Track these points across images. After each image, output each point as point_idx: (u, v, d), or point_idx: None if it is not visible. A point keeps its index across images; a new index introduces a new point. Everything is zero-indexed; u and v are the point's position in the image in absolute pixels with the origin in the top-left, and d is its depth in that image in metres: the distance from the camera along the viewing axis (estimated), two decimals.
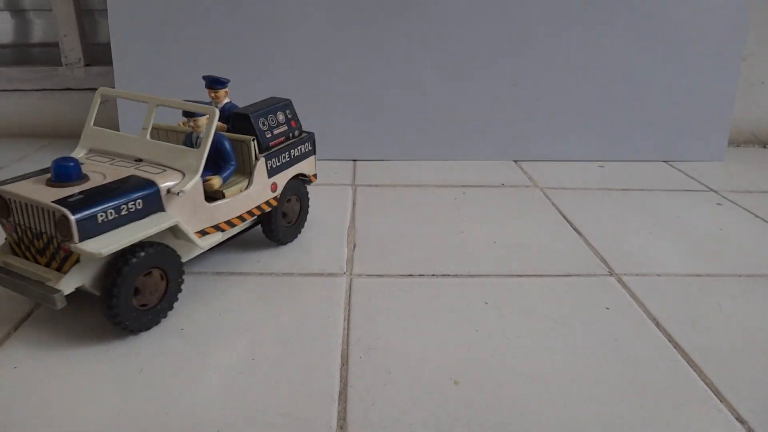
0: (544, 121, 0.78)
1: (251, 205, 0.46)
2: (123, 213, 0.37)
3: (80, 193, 0.37)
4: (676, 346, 0.39)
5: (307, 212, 0.54)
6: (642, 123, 0.79)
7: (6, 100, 0.87)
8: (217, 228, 0.44)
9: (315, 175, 0.54)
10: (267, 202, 0.48)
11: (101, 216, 0.36)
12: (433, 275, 0.47)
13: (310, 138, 0.53)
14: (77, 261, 0.36)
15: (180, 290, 0.41)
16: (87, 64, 0.87)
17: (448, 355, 0.38)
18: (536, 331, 0.40)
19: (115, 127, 0.77)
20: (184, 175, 0.40)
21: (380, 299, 0.44)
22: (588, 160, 0.79)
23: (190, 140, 0.44)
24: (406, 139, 0.78)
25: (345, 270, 0.48)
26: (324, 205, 0.61)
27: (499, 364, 0.37)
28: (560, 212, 0.61)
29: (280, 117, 0.49)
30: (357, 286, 0.46)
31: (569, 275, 0.48)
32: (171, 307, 0.41)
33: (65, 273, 0.36)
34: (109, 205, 0.36)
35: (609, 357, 0.38)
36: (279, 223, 0.50)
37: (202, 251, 0.44)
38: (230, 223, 0.45)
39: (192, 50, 0.74)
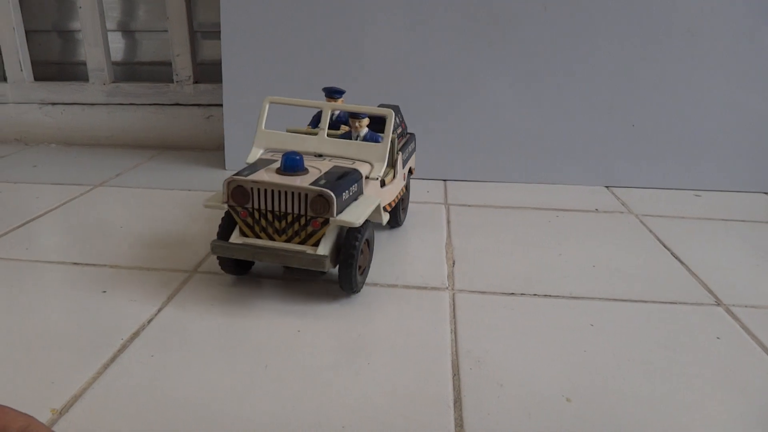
0: (639, 147, 0.78)
1: (398, 191, 0.56)
2: (351, 194, 0.45)
3: (320, 179, 0.44)
4: None
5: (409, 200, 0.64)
6: (740, 153, 0.77)
7: (123, 113, 0.94)
8: (384, 209, 0.51)
9: (414, 169, 0.63)
10: (403, 188, 0.58)
11: (344, 195, 0.44)
12: (535, 294, 0.48)
13: (414, 137, 0.63)
14: (321, 236, 0.43)
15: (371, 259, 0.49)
16: (195, 81, 0.93)
17: (558, 373, 0.38)
18: (646, 356, 0.40)
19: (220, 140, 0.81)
20: (371, 165, 0.48)
21: (485, 315, 0.45)
22: (683, 189, 0.77)
23: (350, 138, 0.51)
24: (496, 160, 0.79)
25: (447, 285, 0.49)
26: (420, 221, 0.63)
27: (611, 385, 0.37)
28: (659, 240, 0.60)
29: (397, 119, 0.57)
30: (460, 301, 0.47)
31: (674, 303, 0.47)
32: (368, 269, 0.49)
33: (313, 245, 0.43)
34: (346, 187, 0.44)
35: (723, 386, 0.37)
36: (400, 209, 0.59)
37: (383, 225, 0.52)
38: (390, 205, 0.54)
39: (292, 70, 0.78)
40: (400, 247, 0.57)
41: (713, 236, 0.62)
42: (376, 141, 0.52)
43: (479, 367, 0.38)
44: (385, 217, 0.50)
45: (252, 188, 0.43)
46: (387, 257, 0.54)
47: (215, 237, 0.47)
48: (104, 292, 0.47)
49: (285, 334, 0.42)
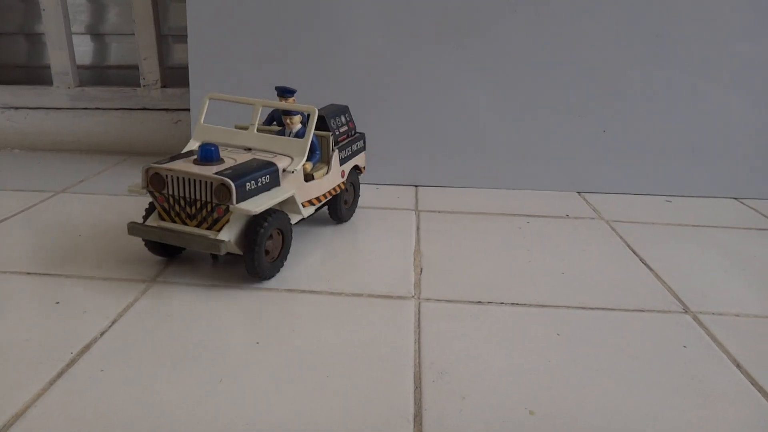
0: (610, 153, 0.78)
1: (330, 187, 0.58)
2: (259, 185, 0.47)
3: (228, 169, 0.47)
4: (760, 389, 0.38)
5: (359, 197, 0.66)
6: (711, 158, 0.77)
7: (89, 118, 0.92)
8: (310, 203, 0.55)
9: (365, 167, 0.65)
10: (339, 185, 0.60)
11: (248, 185, 0.46)
12: (502, 303, 0.47)
13: (363, 137, 0.64)
14: (226, 222, 0.46)
15: (289, 249, 0.52)
16: (163, 86, 0.91)
17: (522, 384, 0.37)
18: (612, 366, 0.39)
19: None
20: (292, 159, 0.51)
21: (450, 324, 0.44)
22: (654, 195, 0.77)
23: (284, 135, 0.54)
24: (468, 166, 0.78)
25: (413, 293, 0.48)
26: (389, 228, 0.62)
27: (575, 396, 0.36)
28: (629, 246, 0.60)
29: (343, 119, 0.61)
30: (426, 310, 0.46)
31: (642, 310, 0.47)
32: (285, 259, 0.51)
33: (218, 231, 0.46)
34: (251, 177, 0.47)
35: (689, 396, 0.37)
36: (341, 205, 0.61)
37: (303, 218, 0.54)
38: (318, 200, 0.56)
39: (262, 73, 0.77)
40: (367, 254, 0.56)
41: (683, 242, 0.62)
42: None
43: (442, 379, 0.37)
44: (307, 211, 0.54)
45: (167, 175, 0.47)
46: (353, 264, 0.53)
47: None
48: (57, 303, 0.45)
49: (243, 347, 0.40)
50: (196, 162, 0.48)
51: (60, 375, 0.37)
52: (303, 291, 0.48)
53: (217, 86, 0.78)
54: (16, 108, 0.93)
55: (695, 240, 0.62)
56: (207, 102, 0.55)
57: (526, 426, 0.33)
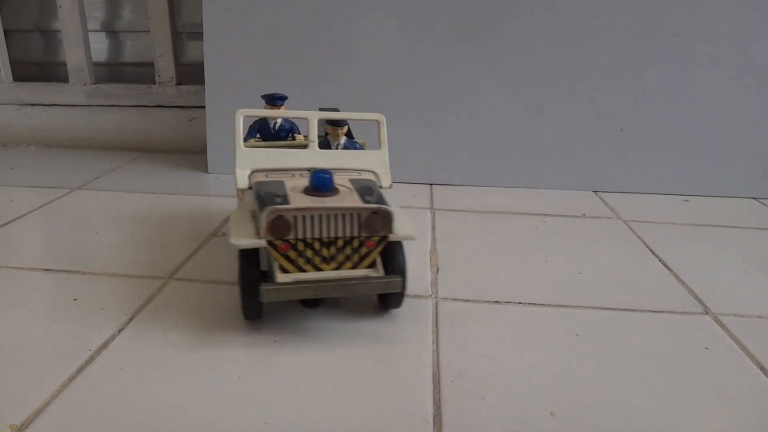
0: (627, 152, 0.77)
1: None
2: None
3: (361, 195, 0.41)
4: None
5: None
6: (730, 158, 0.76)
7: (104, 115, 0.92)
8: None
9: None
10: None
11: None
12: (519, 303, 0.47)
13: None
14: (374, 258, 0.41)
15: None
16: (178, 83, 0.91)
17: (542, 385, 0.37)
18: (631, 367, 0.39)
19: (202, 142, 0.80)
20: (375, 174, 0.46)
21: (468, 324, 0.44)
22: (671, 194, 0.77)
23: (328, 146, 0.48)
24: (483, 165, 0.78)
25: (430, 293, 0.48)
26: None
27: (595, 398, 0.36)
28: (647, 246, 0.59)
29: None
30: (443, 310, 0.46)
31: (662, 311, 0.46)
32: None
33: (367, 267, 0.41)
34: (386, 200, 0.41)
35: (711, 399, 0.36)
36: None
37: None
38: None
39: (277, 72, 0.77)
40: None
41: (702, 242, 0.61)
42: (356, 149, 0.49)
43: (460, 379, 0.37)
44: None
45: (295, 217, 0.39)
46: None
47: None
48: (75, 300, 0.46)
49: (261, 345, 0.40)
50: (309, 193, 0.41)
51: (79, 372, 0.37)
52: None
53: (233, 84, 0.78)
54: (33, 105, 0.94)
55: (714, 240, 0.61)
56: (241, 120, 0.45)
57: (545, 427, 0.33)
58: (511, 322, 0.44)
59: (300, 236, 0.39)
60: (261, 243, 0.39)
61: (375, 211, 0.39)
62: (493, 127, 0.77)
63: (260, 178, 0.44)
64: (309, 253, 0.40)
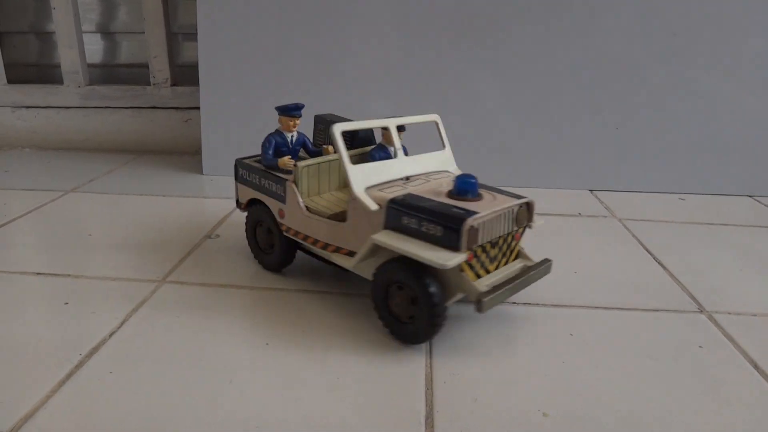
0: (623, 151, 0.77)
1: None
2: None
3: (494, 191, 0.43)
4: None
5: None
6: (726, 156, 0.76)
7: (99, 117, 0.92)
8: None
9: None
10: None
11: None
12: (514, 303, 0.47)
13: None
14: (517, 249, 0.43)
15: None
16: (173, 84, 0.91)
17: (535, 385, 0.37)
18: (625, 366, 0.39)
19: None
20: (450, 173, 0.48)
21: (461, 324, 0.43)
22: (667, 192, 0.76)
23: (387, 152, 0.46)
24: (480, 164, 0.77)
25: None
26: None
27: (589, 398, 0.36)
28: (642, 244, 0.59)
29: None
30: None
31: (656, 310, 0.46)
32: None
33: (514, 261, 0.43)
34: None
35: (705, 397, 0.36)
36: None
37: None
38: None
39: (272, 72, 0.77)
40: None
41: (697, 241, 0.61)
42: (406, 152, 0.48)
43: (454, 381, 0.37)
44: None
45: (482, 223, 0.38)
46: None
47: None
48: (66, 303, 0.45)
49: (253, 348, 0.40)
50: (453, 197, 0.41)
51: (69, 376, 0.37)
52: (313, 291, 0.48)
53: (228, 85, 0.78)
54: (27, 107, 0.94)
55: (709, 238, 0.61)
56: (340, 135, 0.42)
57: (539, 428, 0.33)
58: (504, 323, 0.44)
59: (482, 242, 0.39)
60: (464, 257, 0.37)
61: (526, 203, 0.41)
62: (489, 127, 0.77)
63: (378, 193, 0.42)
64: (483, 257, 0.40)
